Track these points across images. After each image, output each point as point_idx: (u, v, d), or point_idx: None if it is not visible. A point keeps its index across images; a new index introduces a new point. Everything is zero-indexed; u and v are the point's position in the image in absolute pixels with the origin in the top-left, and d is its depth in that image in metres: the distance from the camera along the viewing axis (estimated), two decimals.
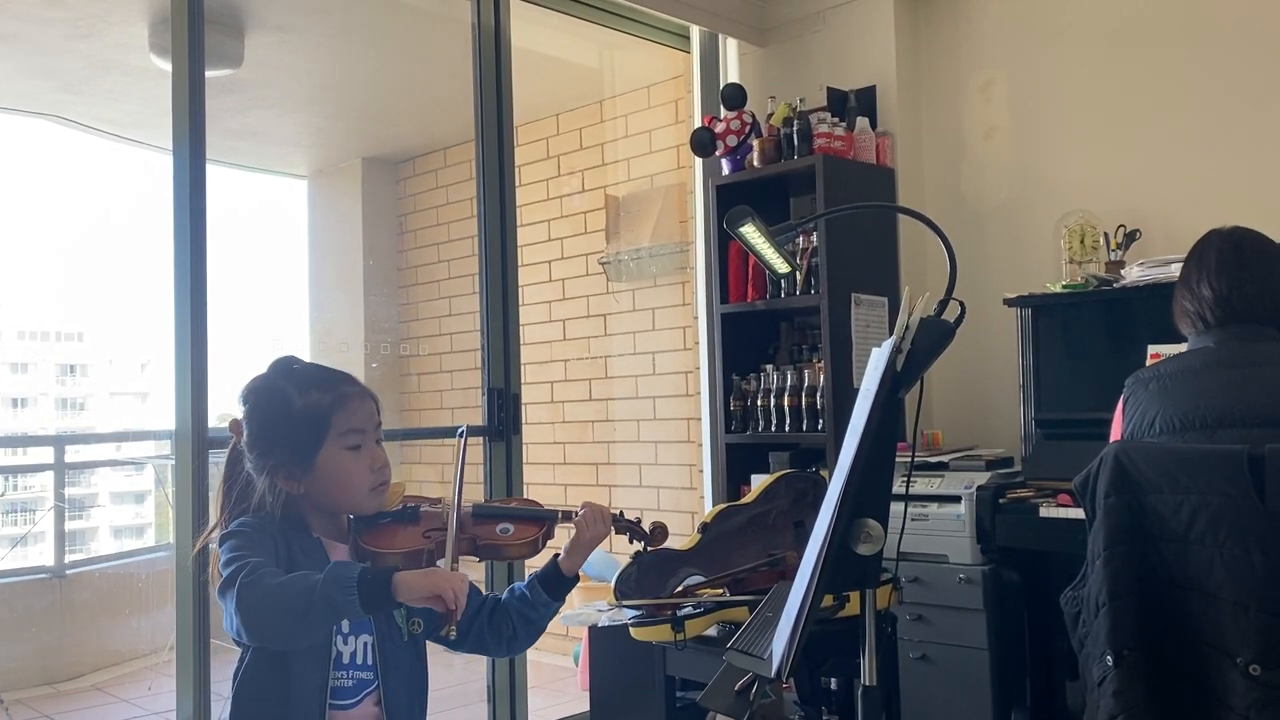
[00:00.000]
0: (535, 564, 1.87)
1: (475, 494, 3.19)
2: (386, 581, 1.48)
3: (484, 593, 1.85)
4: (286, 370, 1.72)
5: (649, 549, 1.95)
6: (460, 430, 1.83)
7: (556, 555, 1.82)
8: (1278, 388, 1.87)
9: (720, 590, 2.35)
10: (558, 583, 1.82)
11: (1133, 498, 1.81)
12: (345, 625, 1.65)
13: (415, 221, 6.17)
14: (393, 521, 1.74)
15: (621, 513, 1.89)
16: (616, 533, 1.87)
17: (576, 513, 1.82)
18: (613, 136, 5.11)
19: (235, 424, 1.71)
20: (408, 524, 1.74)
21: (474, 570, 3.45)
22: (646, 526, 1.91)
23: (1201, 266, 2.06)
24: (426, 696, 1.75)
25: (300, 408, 1.66)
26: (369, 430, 1.71)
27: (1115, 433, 2.08)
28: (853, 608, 2.03)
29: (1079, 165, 3.50)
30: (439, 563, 1.68)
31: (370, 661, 1.66)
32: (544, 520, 1.80)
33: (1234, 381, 1.91)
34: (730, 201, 2.44)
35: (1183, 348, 2.12)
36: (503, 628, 1.81)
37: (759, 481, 2.67)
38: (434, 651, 1.79)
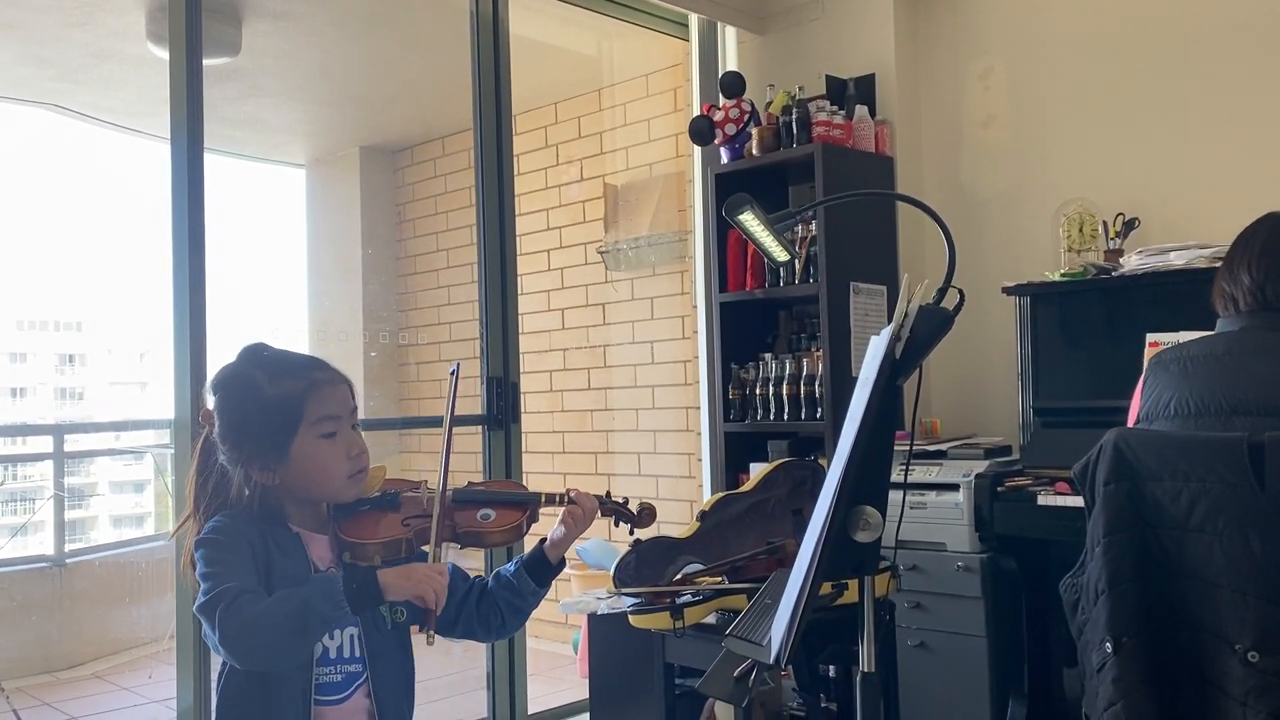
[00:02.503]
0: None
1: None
2: (373, 585, 1.49)
3: (470, 576, 1.82)
4: (256, 357, 1.67)
5: (635, 531, 1.91)
6: (453, 368, 1.78)
7: (543, 541, 1.79)
8: None
9: (719, 578, 2.35)
10: (545, 570, 1.79)
11: (1132, 485, 1.81)
12: None
13: (413, 210, 6.16)
14: (372, 509, 1.69)
15: (609, 494, 1.84)
16: (603, 515, 1.83)
17: (559, 496, 1.77)
18: (611, 125, 5.10)
19: (206, 414, 1.66)
20: (387, 511, 1.70)
21: (471, 559, 3.45)
22: (634, 508, 1.87)
23: (1247, 250, 1.99)
24: (414, 685, 1.73)
25: (272, 396, 1.61)
26: (344, 416, 1.66)
27: (1132, 413, 2.06)
28: (851, 595, 2.04)
29: (1078, 154, 3.50)
30: (424, 548, 1.66)
31: (358, 653, 1.64)
32: (527, 504, 1.75)
33: (1255, 370, 1.88)
34: (729, 190, 2.44)
35: (1180, 336, 2.11)
36: (490, 616, 1.78)
37: (758, 470, 2.68)
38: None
